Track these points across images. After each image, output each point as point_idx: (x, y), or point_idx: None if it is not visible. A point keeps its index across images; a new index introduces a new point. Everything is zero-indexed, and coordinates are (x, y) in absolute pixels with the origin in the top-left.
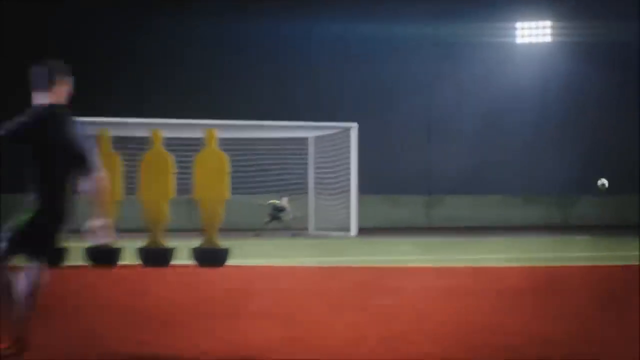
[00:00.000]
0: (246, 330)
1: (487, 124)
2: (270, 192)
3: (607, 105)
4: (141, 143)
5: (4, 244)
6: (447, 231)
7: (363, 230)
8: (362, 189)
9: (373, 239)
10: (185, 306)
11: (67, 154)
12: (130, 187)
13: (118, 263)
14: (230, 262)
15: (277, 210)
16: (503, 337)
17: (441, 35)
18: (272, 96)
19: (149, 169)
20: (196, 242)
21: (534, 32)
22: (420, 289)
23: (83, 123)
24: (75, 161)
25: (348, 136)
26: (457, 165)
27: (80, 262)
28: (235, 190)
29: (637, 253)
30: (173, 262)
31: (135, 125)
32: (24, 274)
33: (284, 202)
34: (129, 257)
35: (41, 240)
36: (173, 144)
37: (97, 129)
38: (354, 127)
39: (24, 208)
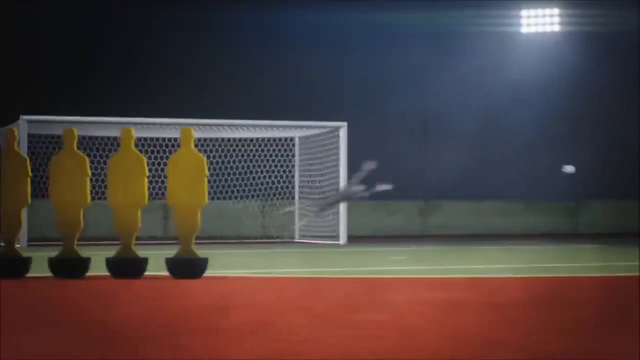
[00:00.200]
0: (225, 346)
1: (488, 123)
2: (251, 196)
3: (620, 101)
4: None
5: None
6: (444, 239)
7: (353, 239)
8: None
9: (364, 247)
10: (158, 320)
11: None
12: (99, 192)
13: (85, 274)
14: (208, 273)
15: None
16: (502, 353)
17: (439, 25)
18: (254, 93)
19: (119, 172)
20: (171, 252)
21: (540, 21)
22: (413, 302)
23: None
24: None
25: (337, 136)
26: (455, 168)
27: (46, 273)
28: (213, 195)
29: None
30: (146, 273)
31: (104, 125)
32: None
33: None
34: (98, 268)
35: None
36: (146, 145)
37: (62, 127)
38: (342, 127)
39: None
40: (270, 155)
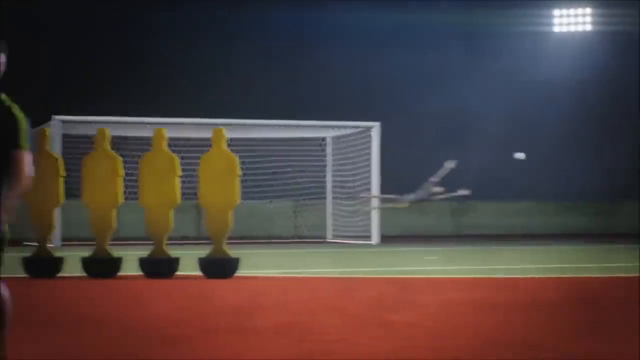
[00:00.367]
0: (256, 346)
1: (520, 122)
2: (284, 196)
3: None
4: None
5: None
6: (476, 239)
7: (385, 239)
8: (384, 194)
9: (396, 247)
10: (190, 320)
11: None
12: (132, 192)
13: (117, 274)
14: (239, 272)
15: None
16: (532, 354)
17: (471, 25)
18: (286, 93)
19: (151, 172)
20: (203, 252)
21: (572, 20)
22: (445, 302)
23: None
24: None
25: (369, 136)
26: (487, 168)
27: (78, 273)
28: (245, 194)
29: None
30: (178, 273)
31: (136, 125)
32: None
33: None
34: (131, 268)
35: None
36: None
37: (96, 128)
38: (375, 127)
39: None
40: (303, 155)
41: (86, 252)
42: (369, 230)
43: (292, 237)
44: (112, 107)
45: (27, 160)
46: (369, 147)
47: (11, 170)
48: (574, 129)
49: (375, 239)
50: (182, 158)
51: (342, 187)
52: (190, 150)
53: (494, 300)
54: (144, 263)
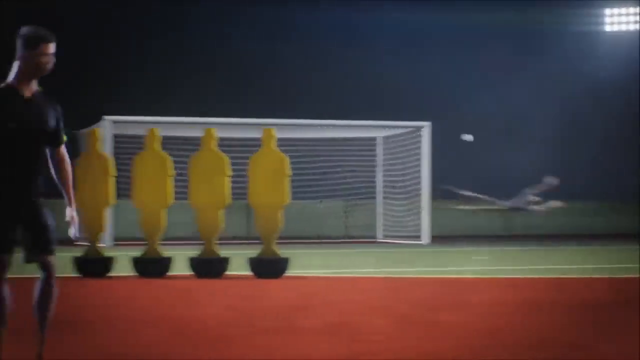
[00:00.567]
0: (305, 346)
1: (570, 122)
2: (334, 196)
3: None
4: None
5: None
6: (527, 239)
7: (436, 239)
8: (435, 194)
9: (446, 247)
10: (239, 320)
11: None
12: (182, 192)
13: (167, 273)
14: (289, 272)
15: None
16: (582, 354)
17: (519, 24)
18: (337, 93)
19: (201, 172)
20: (254, 252)
21: (624, 19)
22: (493, 302)
23: None
24: None
25: (419, 136)
26: (537, 168)
27: (129, 272)
28: (295, 194)
29: None
30: (228, 272)
31: (186, 125)
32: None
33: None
34: (181, 268)
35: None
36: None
37: (146, 128)
38: (426, 126)
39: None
40: (353, 155)
41: (137, 252)
42: (419, 230)
43: (343, 237)
44: (162, 107)
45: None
46: (420, 147)
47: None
48: (624, 128)
49: (425, 239)
50: (232, 158)
51: (392, 187)
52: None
53: (543, 301)
54: (194, 263)
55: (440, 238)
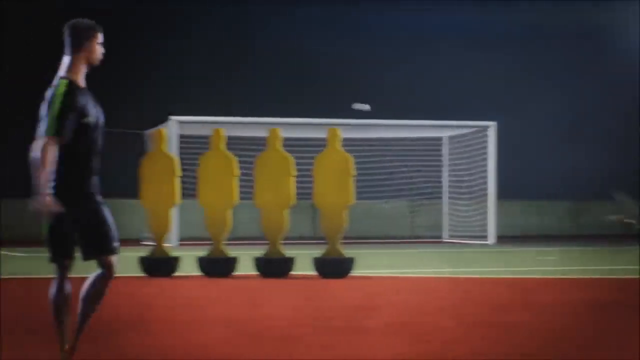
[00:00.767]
0: (369, 346)
1: (635, 121)
2: (400, 196)
3: None
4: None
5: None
6: (594, 240)
7: (502, 239)
8: (501, 194)
9: (512, 247)
10: (304, 320)
11: None
12: (247, 191)
13: (233, 273)
14: (354, 272)
15: None
16: None
17: (584, 20)
18: (402, 93)
19: (266, 172)
20: (319, 252)
21: None
22: (560, 303)
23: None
24: None
25: (485, 136)
26: (606, 167)
27: (194, 272)
28: (361, 194)
29: None
30: (293, 272)
31: (251, 125)
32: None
33: None
34: (247, 267)
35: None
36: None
37: (212, 128)
38: (491, 126)
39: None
40: (419, 155)
41: (202, 252)
42: (485, 230)
43: (409, 237)
44: (227, 108)
45: (43, 146)
46: (486, 147)
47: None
48: None
49: (491, 239)
50: (297, 158)
51: (458, 187)
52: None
53: (613, 301)
54: (259, 263)
55: (506, 238)
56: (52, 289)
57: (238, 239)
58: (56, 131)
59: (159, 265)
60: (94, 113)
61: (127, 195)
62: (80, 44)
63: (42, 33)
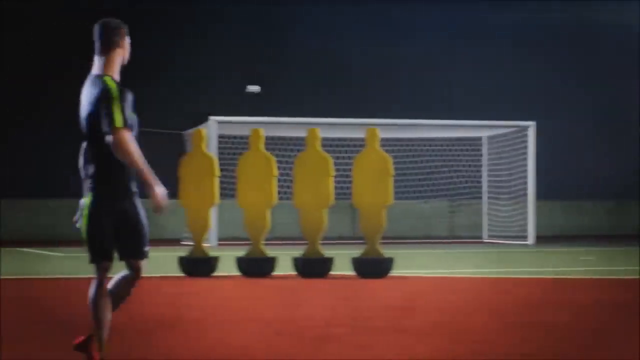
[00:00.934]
0: (408, 346)
1: None
2: (439, 196)
3: None
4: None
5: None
6: (635, 240)
7: (541, 239)
8: (541, 194)
9: (552, 248)
10: (342, 320)
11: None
12: (286, 192)
13: (272, 273)
14: (393, 272)
15: None
16: None
17: (628, 20)
18: (441, 93)
19: (305, 172)
20: (358, 251)
21: None
22: (598, 303)
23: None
24: None
25: (525, 136)
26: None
27: (233, 272)
28: (400, 194)
29: None
30: (332, 272)
31: (290, 125)
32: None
33: None
34: (286, 267)
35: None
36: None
37: (250, 128)
38: (531, 126)
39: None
40: (458, 155)
41: (241, 252)
42: (525, 231)
43: (448, 237)
44: (266, 108)
45: (124, 138)
46: (525, 147)
47: (113, 149)
48: None
49: (531, 239)
50: (335, 158)
51: (497, 187)
52: (343, 150)
53: None
54: (298, 263)
55: (546, 238)
56: (92, 290)
57: (277, 239)
58: (125, 122)
59: (198, 265)
60: (134, 113)
61: (167, 196)
62: (116, 43)
63: (41, 33)
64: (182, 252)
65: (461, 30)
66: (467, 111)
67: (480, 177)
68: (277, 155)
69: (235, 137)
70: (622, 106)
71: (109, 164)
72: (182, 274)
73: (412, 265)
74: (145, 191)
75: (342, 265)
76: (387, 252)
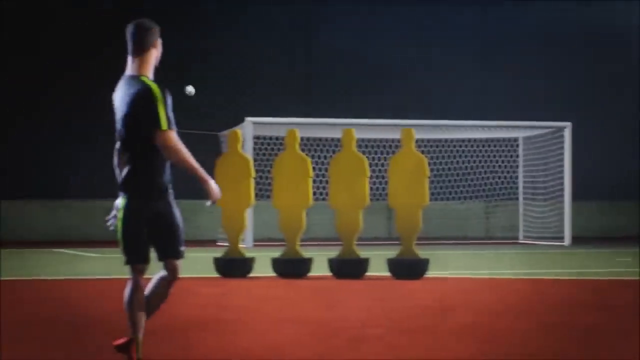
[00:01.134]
0: (444, 347)
1: None
2: (475, 197)
3: None
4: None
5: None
6: None
7: (578, 240)
8: (577, 195)
9: (588, 249)
10: (377, 320)
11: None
12: (321, 193)
13: (307, 274)
14: (429, 273)
15: None
16: None
17: None
18: (476, 94)
19: (340, 173)
20: (393, 252)
21: None
22: (634, 304)
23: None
24: None
25: (561, 137)
26: None
27: (269, 273)
28: (436, 195)
29: None
30: (367, 273)
31: (326, 126)
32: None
33: None
34: (321, 268)
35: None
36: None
37: (286, 129)
38: (567, 127)
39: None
40: (494, 156)
41: (277, 253)
42: (561, 231)
43: (484, 238)
44: (301, 109)
45: (173, 139)
46: (561, 148)
47: (162, 150)
48: None
49: (567, 240)
50: (370, 159)
51: (534, 187)
52: (378, 151)
53: None
54: (333, 264)
55: (582, 239)
56: (127, 291)
57: (312, 239)
58: (170, 123)
59: (234, 266)
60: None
61: (203, 197)
62: (151, 43)
63: (42, 33)
64: (218, 252)
65: (497, 32)
66: (503, 112)
67: (516, 177)
68: (312, 156)
69: (270, 138)
70: None
71: (144, 165)
72: (218, 275)
73: (448, 266)
74: (200, 187)
75: (378, 266)
76: (422, 253)
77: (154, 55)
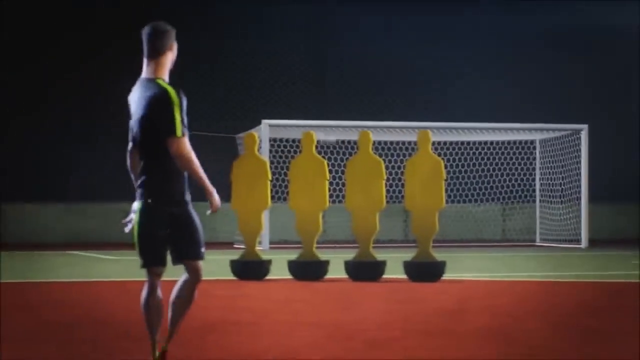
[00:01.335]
0: (460, 350)
1: None
2: (492, 200)
3: None
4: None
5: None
6: None
7: (595, 242)
8: (594, 197)
9: (605, 251)
10: (393, 323)
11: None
12: (338, 195)
13: (324, 277)
14: (446, 276)
15: None
16: None
17: None
18: (494, 96)
19: (357, 175)
20: (410, 255)
21: None
22: None
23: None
24: None
25: (578, 139)
26: None
27: (285, 275)
28: (453, 198)
29: None
30: (383, 276)
31: (342, 129)
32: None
33: None
34: (338, 270)
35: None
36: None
37: (302, 132)
38: (584, 129)
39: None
40: (511, 158)
41: (293, 255)
42: (578, 234)
43: (500, 241)
44: (317, 111)
45: (185, 147)
46: (578, 150)
47: (174, 157)
48: None
49: (584, 242)
50: (386, 162)
51: (551, 190)
52: (395, 154)
53: None
54: (349, 266)
55: (599, 241)
56: (144, 295)
57: (329, 242)
58: (182, 132)
59: (250, 269)
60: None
61: (219, 199)
62: (167, 46)
63: (42, 33)
64: (234, 255)
65: (514, 35)
66: (520, 114)
67: (533, 180)
68: (329, 159)
69: (287, 140)
70: None
71: (161, 170)
72: (234, 277)
73: (464, 268)
74: (204, 195)
75: (394, 269)
76: (439, 255)
77: (170, 58)
